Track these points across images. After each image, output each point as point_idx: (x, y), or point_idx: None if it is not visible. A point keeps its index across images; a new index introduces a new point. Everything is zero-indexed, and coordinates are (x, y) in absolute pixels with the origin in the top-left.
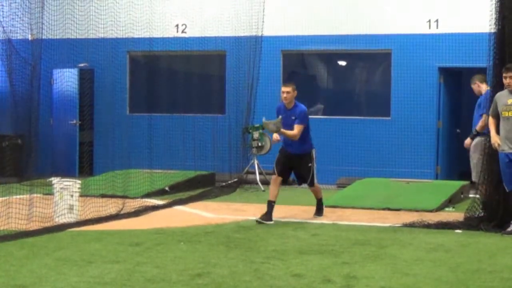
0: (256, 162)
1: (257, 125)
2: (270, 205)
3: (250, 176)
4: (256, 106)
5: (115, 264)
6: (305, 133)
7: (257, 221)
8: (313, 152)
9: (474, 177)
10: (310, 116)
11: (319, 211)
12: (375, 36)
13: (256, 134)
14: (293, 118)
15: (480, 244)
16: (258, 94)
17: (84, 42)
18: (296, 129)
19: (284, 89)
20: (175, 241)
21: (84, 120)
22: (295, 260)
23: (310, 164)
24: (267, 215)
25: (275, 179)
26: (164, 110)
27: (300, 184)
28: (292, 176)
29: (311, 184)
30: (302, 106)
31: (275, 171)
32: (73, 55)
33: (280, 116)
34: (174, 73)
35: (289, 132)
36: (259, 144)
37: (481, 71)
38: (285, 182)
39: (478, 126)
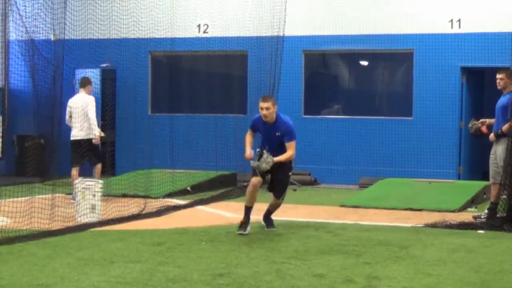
0: None
1: None
2: (250, 211)
3: None
4: (278, 106)
5: (137, 264)
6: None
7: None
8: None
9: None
10: (331, 116)
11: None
12: (397, 36)
13: None
14: (277, 134)
15: (503, 245)
16: (279, 94)
17: (106, 42)
18: (290, 149)
19: (263, 104)
20: (196, 241)
21: (106, 120)
22: (316, 260)
23: (289, 173)
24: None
25: (256, 181)
26: (186, 110)
27: (270, 191)
28: None
29: (279, 196)
30: (287, 120)
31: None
32: (95, 55)
33: (263, 150)
34: (196, 73)
35: (284, 157)
36: None
37: None
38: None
39: (505, 127)
